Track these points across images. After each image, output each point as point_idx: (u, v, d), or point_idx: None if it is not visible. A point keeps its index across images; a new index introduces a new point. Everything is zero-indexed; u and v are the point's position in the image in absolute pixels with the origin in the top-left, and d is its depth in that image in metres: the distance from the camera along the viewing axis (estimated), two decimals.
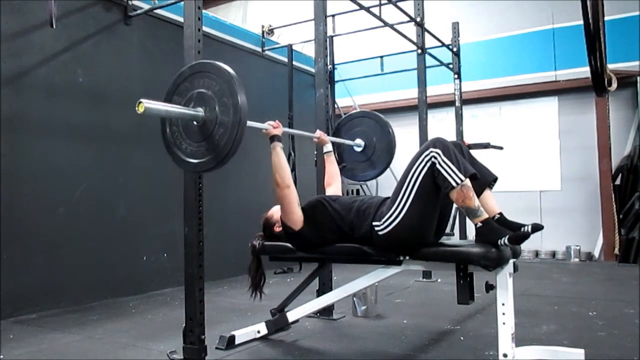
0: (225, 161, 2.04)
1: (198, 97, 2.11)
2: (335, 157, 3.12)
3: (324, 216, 2.35)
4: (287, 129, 2.57)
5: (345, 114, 7.61)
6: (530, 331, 2.86)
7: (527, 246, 6.55)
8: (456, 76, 5.57)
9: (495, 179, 2.28)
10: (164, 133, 2.23)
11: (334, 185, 2.92)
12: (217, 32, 5.35)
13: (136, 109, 1.88)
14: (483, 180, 2.20)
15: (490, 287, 2.11)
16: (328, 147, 3.04)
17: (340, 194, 2.88)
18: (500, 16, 7.23)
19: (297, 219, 2.34)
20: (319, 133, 3.06)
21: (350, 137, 3.48)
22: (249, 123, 2.13)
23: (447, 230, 2.63)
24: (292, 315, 2.97)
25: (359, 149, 3.45)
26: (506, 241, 1.95)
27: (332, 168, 3.01)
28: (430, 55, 5.15)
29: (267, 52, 5.88)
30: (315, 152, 3.42)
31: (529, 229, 1.95)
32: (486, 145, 5.06)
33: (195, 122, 2.10)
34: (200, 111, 2.08)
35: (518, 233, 1.96)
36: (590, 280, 4.90)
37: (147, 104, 1.91)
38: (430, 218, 2.14)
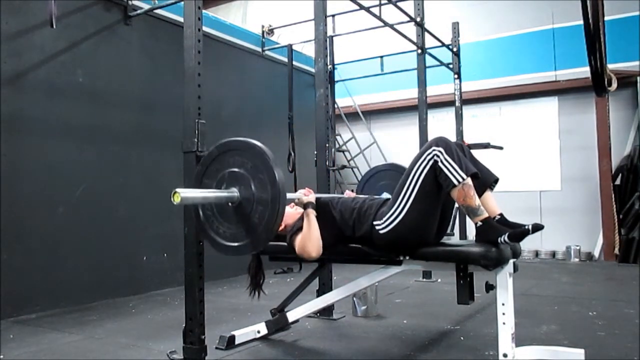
0: (267, 242, 1.98)
1: (230, 176, 2.03)
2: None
3: (327, 218, 2.35)
4: (318, 195, 2.53)
5: (345, 114, 7.68)
6: (530, 331, 2.86)
7: (527, 246, 6.56)
8: (456, 76, 5.56)
9: (496, 180, 2.28)
10: (197, 217, 2.15)
11: None
12: (217, 32, 5.35)
13: (172, 199, 1.82)
14: (484, 181, 2.20)
15: (490, 287, 2.10)
16: None
17: None
18: (500, 16, 7.23)
19: (311, 258, 2.30)
20: (347, 194, 3.06)
21: (376, 191, 3.43)
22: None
23: (447, 230, 2.62)
24: (292, 315, 2.97)
25: None
26: (506, 238, 1.95)
27: None
28: (430, 55, 5.15)
29: (267, 52, 5.88)
30: (315, 152, 3.42)
31: (529, 227, 1.95)
32: (486, 145, 5.06)
33: (230, 204, 2.02)
34: (235, 191, 2.00)
35: (517, 230, 1.96)
36: (590, 280, 4.90)
37: (183, 194, 1.84)
38: (432, 217, 2.14)
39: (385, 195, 3.26)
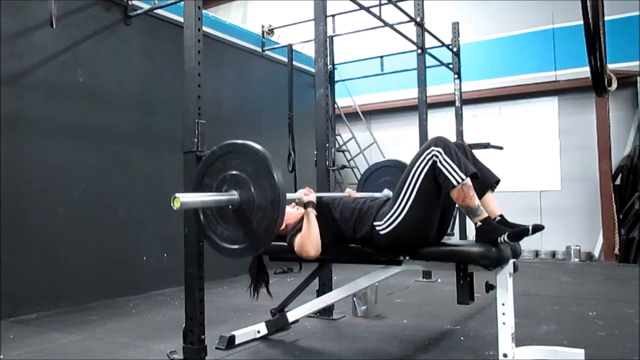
0: (266, 246, 1.99)
1: (231, 179, 2.03)
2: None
3: (328, 219, 2.35)
4: (319, 194, 2.53)
5: (345, 114, 7.67)
6: (530, 331, 2.86)
7: (527, 246, 6.56)
8: (456, 76, 5.56)
9: (497, 181, 2.28)
10: (197, 220, 2.15)
11: None
12: (217, 32, 5.35)
13: (171, 204, 1.81)
14: (485, 182, 2.20)
15: (490, 287, 2.10)
16: None
17: None
18: (500, 16, 7.23)
19: (310, 258, 2.31)
20: (348, 192, 3.06)
21: (377, 187, 3.43)
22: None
23: (448, 230, 2.62)
24: (292, 315, 2.97)
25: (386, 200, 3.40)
26: (506, 238, 1.96)
27: None
28: (430, 55, 5.15)
29: (267, 52, 5.88)
30: (315, 152, 3.42)
31: (529, 227, 1.95)
32: (486, 145, 5.05)
33: (230, 206, 2.01)
34: (234, 194, 2.00)
35: (517, 229, 1.97)
36: (590, 280, 4.90)
37: (183, 199, 1.83)
38: (432, 217, 2.14)
39: (386, 192, 3.27)
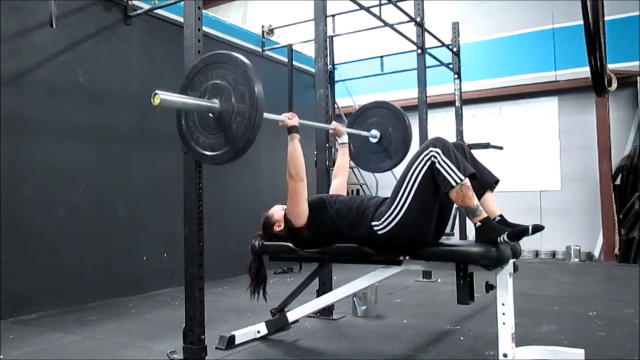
0: (244, 151, 2.03)
1: (213, 88, 2.09)
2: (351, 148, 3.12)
3: (325, 217, 2.35)
4: (303, 121, 2.57)
5: (345, 114, 7.66)
6: (530, 331, 2.86)
7: (527, 246, 6.56)
8: (456, 76, 5.56)
9: (496, 182, 2.28)
10: (180, 127, 2.21)
11: (339, 177, 2.94)
12: (217, 32, 5.35)
13: (151, 100, 1.83)
14: (484, 182, 2.20)
15: (490, 287, 2.10)
16: (344, 139, 3.04)
17: (345, 188, 2.92)
18: (500, 16, 7.23)
19: (303, 213, 2.35)
20: (334, 124, 3.06)
21: (365, 128, 3.44)
22: (265, 115, 2.12)
23: (447, 230, 2.63)
24: (292, 315, 2.97)
25: (374, 140, 3.41)
26: (505, 238, 1.96)
27: (342, 160, 3.02)
28: (430, 55, 5.15)
29: (267, 52, 5.88)
30: (315, 152, 3.41)
31: (529, 227, 1.95)
32: (486, 145, 5.06)
33: (211, 114, 2.07)
34: (216, 102, 2.06)
35: (517, 229, 1.97)
36: (590, 280, 4.90)
37: (163, 96, 1.86)
38: (430, 217, 2.14)
39: (374, 132, 3.31)
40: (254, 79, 1.99)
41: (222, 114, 2.06)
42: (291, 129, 2.41)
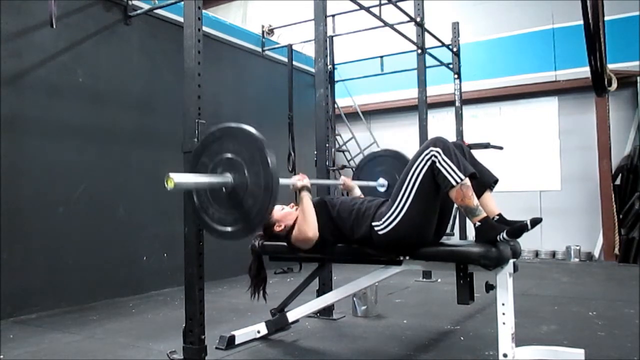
0: (259, 227, 2.03)
1: (227, 162, 2.03)
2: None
3: (326, 218, 2.35)
4: (313, 180, 2.55)
5: (345, 114, 7.67)
6: (530, 331, 2.86)
7: (527, 246, 6.56)
8: (456, 76, 5.56)
9: (496, 181, 2.28)
10: (191, 201, 2.15)
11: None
12: (217, 32, 5.35)
13: (165, 184, 1.77)
14: (484, 181, 2.21)
15: (490, 287, 2.10)
16: (356, 192, 3.03)
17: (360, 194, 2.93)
18: (500, 16, 7.23)
19: (307, 247, 2.33)
20: (343, 179, 3.08)
21: (372, 177, 3.44)
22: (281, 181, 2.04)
23: (447, 230, 2.62)
24: (292, 315, 2.97)
25: (382, 189, 3.43)
26: (505, 235, 1.95)
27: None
28: (430, 55, 5.15)
29: (267, 52, 5.88)
30: (315, 152, 3.41)
31: (527, 222, 1.94)
32: (486, 145, 5.06)
33: (224, 189, 2.02)
34: (229, 177, 1.99)
35: (516, 226, 1.96)
36: (590, 280, 4.90)
37: (177, 179, 1.80)
38: (430, 217, 2.14)
39: (381, 181, 3.30)
40: (269, 156, 1.93)
41: (234, 189, 2.00)
42: (302, 189, 2.39)
